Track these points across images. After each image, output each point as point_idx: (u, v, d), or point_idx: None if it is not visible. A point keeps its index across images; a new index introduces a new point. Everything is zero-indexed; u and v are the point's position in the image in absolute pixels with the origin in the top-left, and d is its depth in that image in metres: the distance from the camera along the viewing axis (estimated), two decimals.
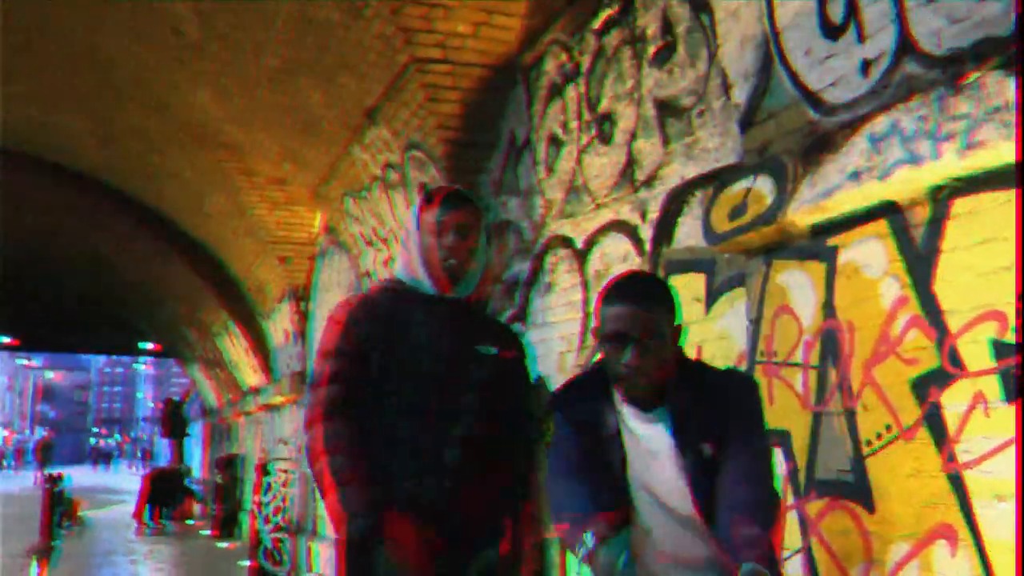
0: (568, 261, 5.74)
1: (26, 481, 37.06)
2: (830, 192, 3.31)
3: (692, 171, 4.50)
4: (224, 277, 15.04)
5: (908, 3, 3.12)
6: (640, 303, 2.60)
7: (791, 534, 3.62)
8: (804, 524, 3.60)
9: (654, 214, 4.82)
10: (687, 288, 4.44)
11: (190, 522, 20.45)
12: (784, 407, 3.71)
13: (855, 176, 3.20)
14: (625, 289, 2.67)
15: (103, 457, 68.36)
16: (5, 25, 9.19)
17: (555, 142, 5.95)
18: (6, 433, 60.88)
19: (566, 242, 5.77)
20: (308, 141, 9.09)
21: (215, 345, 18.26)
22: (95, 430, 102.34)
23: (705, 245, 4.19)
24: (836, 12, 3.45)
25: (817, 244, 3.53)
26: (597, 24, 5.44)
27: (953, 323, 2.95)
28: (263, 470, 12.82)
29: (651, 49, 4.88)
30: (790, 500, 3.65)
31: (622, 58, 5.18)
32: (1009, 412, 2.74)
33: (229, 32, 8.23)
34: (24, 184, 14.81)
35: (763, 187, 3.69)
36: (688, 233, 4.53)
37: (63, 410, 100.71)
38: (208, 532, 18.30)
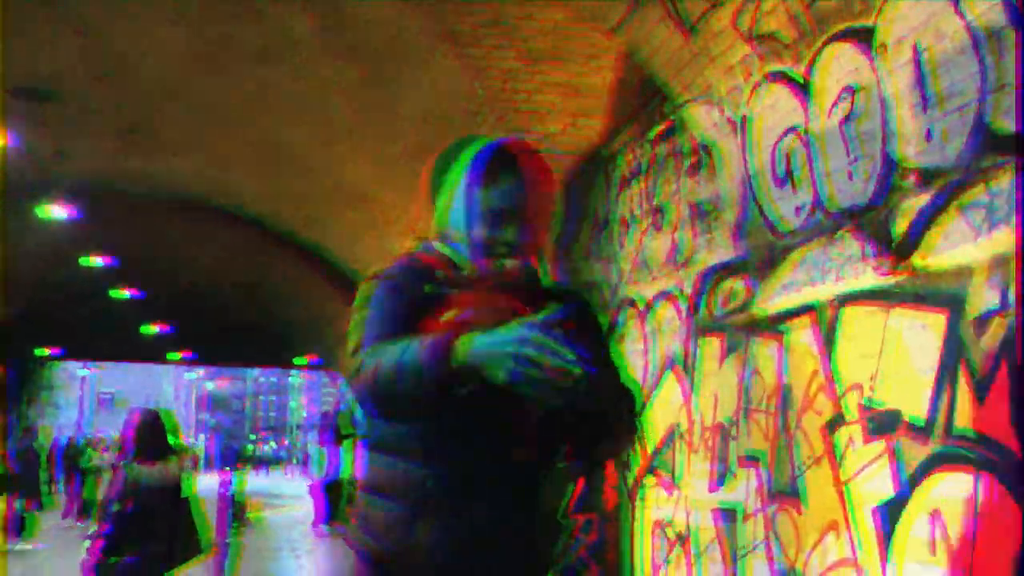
0: (635, 319, 7.33)
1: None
2: (778, 295, 4.87)
3: (712, 260, 6.06)
4: None
5: (819, 170, 4.65)
6: None
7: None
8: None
9: (689, 290, 6.38)
10: (711, 347, 6.01)
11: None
12: (757, 440, 5.27)
13: (789, 286, 4.75)
14: None
15: (264, 463, 71.81)
16: (190, 105, 11.35)
17: (625, 223, 7.54)
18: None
19: (633, 303, 7.36)
20: None
21: None
22: (252, 437, 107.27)
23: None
24: (781, 169, 4.99)
25: (774, 328, 5.08)
26: (653, 135, 7.03)
27: (839, 389, 4.48)
28: None
29: (687, 163, 6.46)
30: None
31: (669, 165, 6.76)
32: (867, 447, 4.26)
33: (373, 117, 10.13)
34: (202, 227, 17.24)
35: (741, 284, 5.26)
36: (709, 306, 6.09)
37: (223, 418, 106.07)
38: None
